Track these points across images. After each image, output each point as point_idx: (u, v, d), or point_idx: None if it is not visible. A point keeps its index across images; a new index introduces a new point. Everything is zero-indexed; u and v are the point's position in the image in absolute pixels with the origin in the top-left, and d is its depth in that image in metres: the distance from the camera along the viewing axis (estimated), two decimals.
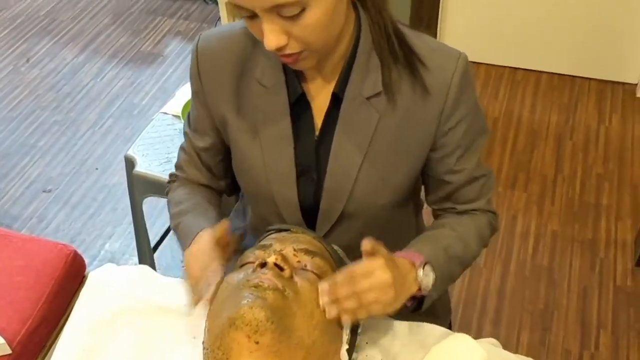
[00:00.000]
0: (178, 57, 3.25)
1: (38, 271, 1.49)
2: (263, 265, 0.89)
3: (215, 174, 1.18)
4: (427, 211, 1.22)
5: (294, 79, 1.01)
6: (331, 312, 0.87)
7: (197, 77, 1.07)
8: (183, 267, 0.99)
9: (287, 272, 0.88)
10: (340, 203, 1.05)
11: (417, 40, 0.99)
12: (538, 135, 2.67)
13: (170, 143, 1.80)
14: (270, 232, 1.04)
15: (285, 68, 1.01)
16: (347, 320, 0.89)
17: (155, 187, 1.74)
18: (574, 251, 2.25)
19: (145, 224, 1.93)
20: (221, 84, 1.06)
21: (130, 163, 1.78)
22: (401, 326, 1.04)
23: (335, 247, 1.04)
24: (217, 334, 0.84)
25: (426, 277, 0.97)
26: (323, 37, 0.89)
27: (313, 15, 0.84)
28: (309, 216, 1.08)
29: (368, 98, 0.99)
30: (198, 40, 1.07)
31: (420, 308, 1.02)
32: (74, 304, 1.13)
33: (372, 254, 0.88)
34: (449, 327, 1.31)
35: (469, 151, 1.06)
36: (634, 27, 2.69)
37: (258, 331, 0.81)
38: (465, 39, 2.90)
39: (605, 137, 2.65)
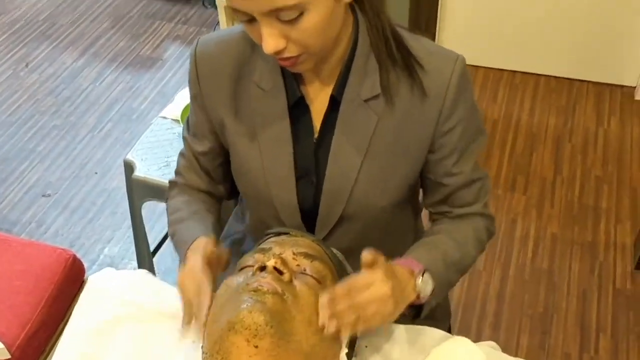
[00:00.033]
0: (177, 61, 3.25)
1: (37, 275, 1.49)
2: (262, 268, 0.89)
3: (215, 178, 1.18)
4: (426, 213, 1.22)
5: (292, 82, 1.01)
6: (330, 328, 0.86)
7: (196, 81, 1.08)
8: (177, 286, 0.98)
9: (286, 276, 0.88)
10: (340, 205, 1.05)
11: (415, 42, 1.00)
12: (537, 138, 2.67)
13: (169, 147, 1.80)
14: (269, 236, 1.04)
15: (283, 71, 1.01)
16: (345, 334, 0.88)
17: (154, 192, 1.74)
18: (574, 254, 2.25)
19: (144, 228, 1.93)
20: (219, 88, 1.06)
21: (129, 167, 1.78)
22: (400, 330, 1.04)
23: (335, 251, 1.04)
24: (216, 338, 0.84)
25: (425, 285, 0.97)
26: (321, 40, 0.89)
27: (311, 19, 0.85)
28: (308, 219, 1.08)
29: (366, 100, 0.99)
30: (196, 44, 1.07)
31: (419, 316, 1.02)
32: (73, 309, 1.13)
33: (371, 265, 0.87)
34: (449, 331, 1.31)
35: (467, 153, 1.06)
36: (632, 30, 2.69)
37: (257, 335, 0.81)
38: (464, 42, 2.90)
39: (604, 139, 2.65)
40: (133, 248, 2.13)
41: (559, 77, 2.93)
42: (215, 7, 3.12)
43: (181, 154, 1.19)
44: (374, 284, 0.87)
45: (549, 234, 2.31)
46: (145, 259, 2.01)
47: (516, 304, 2.11)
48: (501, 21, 2.84)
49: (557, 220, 2.36)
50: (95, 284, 1.15)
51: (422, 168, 1.08)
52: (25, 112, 2.99)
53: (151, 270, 2.03)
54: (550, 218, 2.36)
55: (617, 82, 2.87)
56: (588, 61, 2.85)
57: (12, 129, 2.91)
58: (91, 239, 2.43)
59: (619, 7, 2.65)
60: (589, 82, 2.90)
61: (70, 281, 1.53)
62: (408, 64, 0.98)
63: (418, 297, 0.96)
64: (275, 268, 0.88)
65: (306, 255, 0.94)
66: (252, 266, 0.92)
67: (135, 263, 2.18)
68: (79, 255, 1.58)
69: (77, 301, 1.13)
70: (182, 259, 1.06)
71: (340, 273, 0.98)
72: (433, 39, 2.85)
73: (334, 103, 1.01)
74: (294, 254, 0.94)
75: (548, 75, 2.94)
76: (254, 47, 1.02)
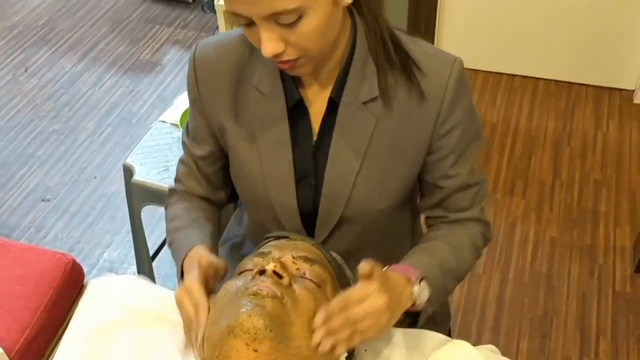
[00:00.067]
0: (176, 65, 3.25)
1: (37, 280, 1.49)
2: (262, 272, 0.89)
3: (214, 183, 1.18)
4: (423, 218, 1.22)
5: (291, 85, 1.01)
6: (325, 346, 0.85)
7: (195, 85, 1.08)
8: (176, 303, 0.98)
9: (285, 280, 0.88)
10: (339, 208, 1.05)
11: (413, 45, 1.00)
12: (536, 141, 2.67)
13: (168, 151, 1.80)
14: (269, 240, 1.04)
15: (282, 74, 1.01)
16: (341, 351, 0.87)
17: (154, 196, 1.74)
18: (573, 258, 2.25)
19: (143, 233, 1.93)
20: (219, 92, 1.06)
21: (128, 172, 1.78)
22: (400, 334, 1.04)
23: (334, 255, 1.04)
24: (216, 342, 0.84)
25: (422, 293, 0.96)
26: (320, 43, 0.90)
27: (310, 23, 0.85)
28: (308, 222, 1.08)
29: (364, 103, 0.99)
30: (195, 49, 1.08)
31: (415, 324, 1.02)
32: (72, 313, 1.13)
33: (368, 276, 0.87)
34: (449, 334, 1.31)
35: (464, 156, 1.06)
36: (630, 33, 2.70)
37: (257, 339, 0.81)
38: (463, 46, 2.91)
39: (602, 143, 2.65)
40: (132, 252, 2.13)
41: (557, 81, 2.93)
42: (214, 12, 3.12)
43: (180, 161, 1.19)
44: (369, 297, 0.86)
45: (548, 238, 2.31)
46: (145, 263, 2.01)
47: (516, 308, 2.11)
48: (500, 25, 2.85)
49: (556, 223, 2.36)
50: (95, 289, 1.15)
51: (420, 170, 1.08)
52: (25, 116, 3.00)
53: (151, 274, 2.03)
54: (550, 222, 2.36)
55: (615, 85, 2.87)
56: (587, 65, 2.85)
57: (11, 134, 2.91)
58: (90, 244, 2.43)
59: (618, 11, 2.65)
60: (587, 85, 2.90)
61: (70, 286, 1.53)
62: (406, 66, 0.98)
63: (414, 304, 0.96)
64: (274, 272, 0.88)
65: (306, 259, 0.94)
66: (252, 270, 0.92)
67: (134, 267, 2.18)
68: (78, 260, 1.58)
69: (76, 306, 1.13)
70: (179, 268, 1.06)
71: (339, 277, 0.98)
72: (432, 42, 2.86)
73: (333, 105, 1.01)
74: (293, 257, 0.94)
75: (547, 79, 2.94)
76: (252, 50, 1.03)
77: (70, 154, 2.80)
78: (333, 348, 0.86)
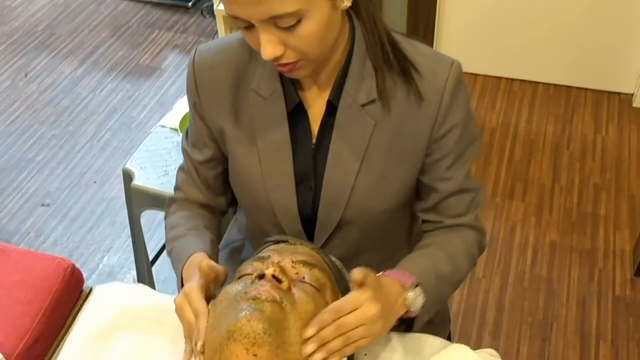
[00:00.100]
0: (176, 70, 3.26)
1: (36, 285, 1.49)
2: (261, 277, 0.89)
3: (215, 190, 1.17)
4: None
5: (290, 88, 1.01)
6: (318, 357, 0.85)
7: (195, 91, 1.08)
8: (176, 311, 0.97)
9: (285, 284, 0.88)
10: (338, 211, 1.05)
11: (411, 47, 1.00)
12: (535, 145, 2.67)
13: (168, 156, 1.80)
14: (268, 244, 1.04)
15: (281, 77, 1.02)
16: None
17: (153, 200, 1.74)
18: (573, 261, 2.25)
19: (143, 237, 1.93)
20: (219, 97, 1.06)
21: (128, 176, 1.78)
22: (400, 337, 1.04)
23: (334, 259, 1.04)
24: (215, 346, 0.84)
25: (416, 299, 0.96)
26: (319, 46, 0.90)
27: (309, 26, 0.86)
28: (307, 225, 1.09)
29: (363, 105, 1.00)
30: (194, 54, 1.08)
31: (410, 330, 1.02)
32: (72, 319, 1.13)
33: (361, 283, 0.86)
34: (449, 337, 1.31)
35: (460, 159, 1.06)
36: (630, 37, 2.70)
37: (256, 343, 0.81)
38: (462, 50, 2.91)
39: (602, 146, 2.65)
40: (132, 257, 2.13)
41: (557, 85, 2.94)
42: (214, 17, 3.13)
43: (180, 169, 1.19)
44: (362, 305, 0.86)
45: (548, 242, 2.31)
46: (144, 268, 2.01)
47: (516, 312, 2.11)
48: (499, 29, 2.85)
49: (555, 227, 2.36)
50: (100, 295, 1.15)
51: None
52: (24, 121, 3.00)
53: (150, 279, 2.03)
54: (549, 225, 2.36)
55: (615, 89, 2.88)
56: (586, 68, 2.86)
57: (10, 139, 2.91)
58: (90, 248, 2.43)
59: (617, 15, 2.66)
60: (586, 89, 2.91)
61: (69, 291, 1.52)
62: (404, 68, 0.99)
63: (408, 311, 0.95)
64: (273, 276, 0.88)
65: (305, 264, 0.94)
66: (251, 274, 0.92)
67: (134, 272, 2.18)
68: (78, 265, 1.58)
69: (76, 311, 1.13)
70: (179, 276, 1.06)
71: (339, 281, 0.98)
72: (431, 46, 2.86)
73: (331, 108, 1.02)
74: (292, 262, 0.94)
75: (546, 83, 2.95)
76: (251, 53, 1.03)
77: (70, 159, 2.80)
78: (326, 358, 0.85)
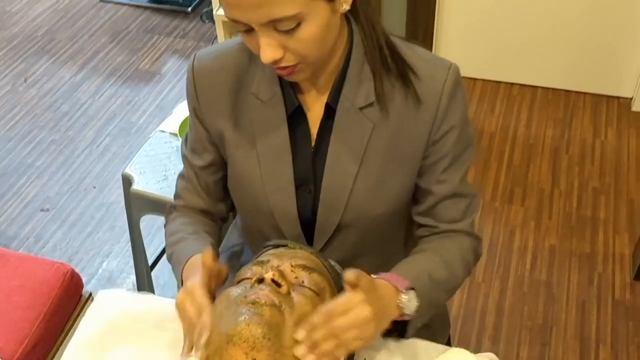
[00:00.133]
0: (175, 75, 3.26)
1: (35, 290, 1.49)
2: (260, 281, 0.89)
3: (215, 195, 1.17)
4: None
5: (290, 92, 1.02)
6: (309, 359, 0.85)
7: (194, 96, 1.08)
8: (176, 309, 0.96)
9: (284, 288, 0.88)
10: (337, 214, 1.05)
11: (409, 51, 1.01)
12: (534, 149, 2.68)
13: (167, 161, 1.80)
14: (267, 248, 1.04)
15: (281, 81, 1.02)
16: None
17: (153, 205, 1.74)
18: (572, 266, 2.25)
19: (142, 242, 1.93)
20: (218, 101, 1.06)
21: (127, 181, 1.78)
22: (398, 342, 1.04)
23: (333, 263, 1.04)
24: (215, 350, 0.84)
25: (409, 303, 0.95)
26: (318, 50, 0.90)
27: (308, 30, 0.86)
28: (307, 228, 1.08)
29: (361, 108, 1.00)
30: (193, 59, 1.08)
31: (403, 335, 1.01)
32: (71, 323, 1.13)
33: (354, 285, 0.86)
34: (448, 341, 1.31)
35: (457, 162, 1.06)
36: (628, 41, 2.71)
37: (255, 348, 0.81)
38: (461, 54, 2.92)
39: (601, 151, 2.66)
40: (131, 262, 2.13)
41: (556, 89, 2.94)
42: (213, 22, 3.13)
43: (180, 176, 1.18)
44: (353, 308, 0.85)
45: (547, 246, 2.31)
46: (144, 272, 2.01)
47: (515, 316, 2.11)
48: (498, 33, 2.86)
49: (555, 231, 2.36)
50: (101, 301, 1.15)
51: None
52: (24, 126, 3.00)
53: (150, 284, 2.03)
54: (549, 229, 2.36)
55: (613, 93, 2.88)
56: (585, 73, 2.86)
57: (10, 144, 2.91)
58: (89, 253, 2.42)
59: (616, 19, 2.67)
60: (585, 93, 2.91)
61: (69, 295, 1.53)
62: (402, 72, 0.99)
63: (402, 314, 0.95)
64: (273, 280, 0.88)
65: (304, 268, 0.94)
66: (250, 278, 0.92)
67: (133, 277, 2.18)
68: (77, 270, 1.58)
69: (74, 315, 1.13)
70: (179, 278, 1.06)
71: (338, 285, 0.98)
72: (430, 50, 2.86)
73: (330, 111, 1.02)
74: (292, 266, 0.94)
75: (545, 87, 2.95)
76: (251, 58, 1.03)
77: (70, 164, 2.80)
78: None
